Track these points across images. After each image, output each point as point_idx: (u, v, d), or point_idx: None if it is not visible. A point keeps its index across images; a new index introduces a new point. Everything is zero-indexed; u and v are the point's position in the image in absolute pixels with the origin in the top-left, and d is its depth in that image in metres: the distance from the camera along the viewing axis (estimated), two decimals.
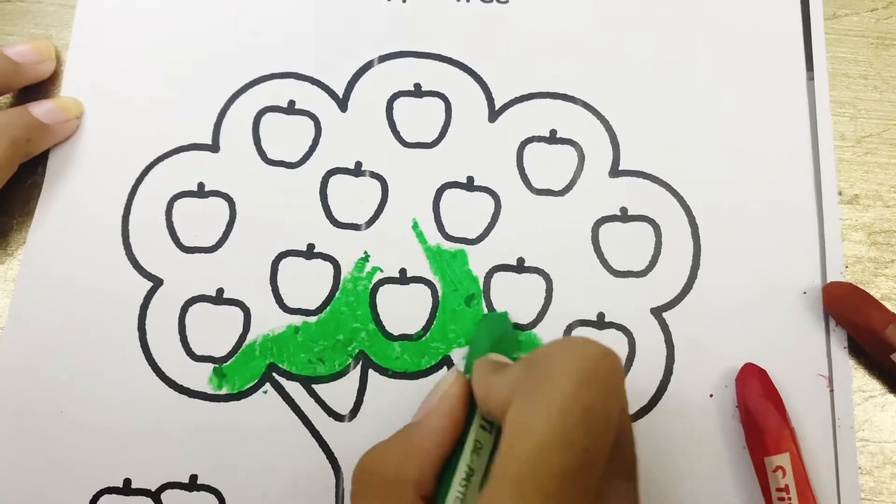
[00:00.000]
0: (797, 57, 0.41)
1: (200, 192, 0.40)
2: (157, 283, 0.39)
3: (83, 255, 0.39)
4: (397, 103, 0.41)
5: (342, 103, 0.41)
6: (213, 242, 0.39)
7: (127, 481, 0.36)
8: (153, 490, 0.36)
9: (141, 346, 0.38)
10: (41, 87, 0.42)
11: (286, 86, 0.42)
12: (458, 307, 0.38)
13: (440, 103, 0.41)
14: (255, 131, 0.41)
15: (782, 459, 0.34)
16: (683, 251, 0.39)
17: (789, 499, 0.33)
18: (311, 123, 0.41)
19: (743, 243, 0.39)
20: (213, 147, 0.41)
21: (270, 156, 0.40)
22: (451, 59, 0.42)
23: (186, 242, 0.39)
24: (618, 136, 0.40)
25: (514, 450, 0.24)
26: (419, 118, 0.41)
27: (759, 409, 0.35)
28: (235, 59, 0.42)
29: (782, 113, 0.41)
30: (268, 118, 0.41)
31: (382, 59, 0.42)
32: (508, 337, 0.36)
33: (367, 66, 0.42)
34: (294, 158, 0.40)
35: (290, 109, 0.41)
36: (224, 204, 0.40)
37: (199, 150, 0.41)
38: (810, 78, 0.41)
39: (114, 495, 0.36)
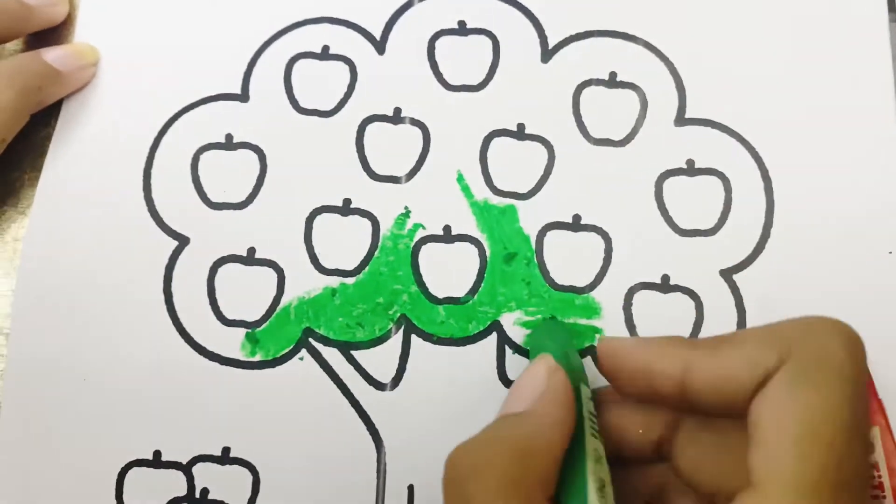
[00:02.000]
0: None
1: (229, 144, 0.37)
2: (183, 241, 0.36)
3: (101, 214, 0.37)
4: (439, 43, 0.38)
5: (380, 46, 0.38)
6: (243, 198, 0.37)
7: (157, 453, 0.34)
8: (184, 463, 0.34)
9: (167, 310, 0.36)
10: (54, 32, 0.40)
11: (320, 31, 0.38)
12: (508, 268, 0.35)
13: (487, 42, 0.38)
14: (287, 79, 0.38)
15: (873, 434, 0.31)
16: (755, 207, 0.35)
17: (879, 476, 0.31)
18: (346, 69, 0.38)
19: (821, 199, 0.35)
20: (243, 97, 0.38)
21: (303, 105, 0.37)
22: None
23: (214, 198, 0.37)
24: (684, 81, 0.37)
25: (806, 443, 0.22)
26: (464, 59, 0.38)
27: None
28: (266, 5, 0.39)
29: (863, 57, 0.37)
30: (300, 65, 0.38)
31: None
32: (570, 344, 0.33)
33: (407, 5, 0.38)
34: (328, 107, 0.37)
35: (325, 55, 0.38)
36: (254, 157, 0.37)
37: (227, 100, 0.38)
38: (893, 20, 0.37)
39: (143, 468, 0.34)
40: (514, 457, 0.25)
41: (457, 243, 0.36)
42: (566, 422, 0.26)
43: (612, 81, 0.37)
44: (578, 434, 0.27)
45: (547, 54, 0.37)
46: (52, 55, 0.37)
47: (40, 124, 0.38)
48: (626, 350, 0.28)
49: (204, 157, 0.37)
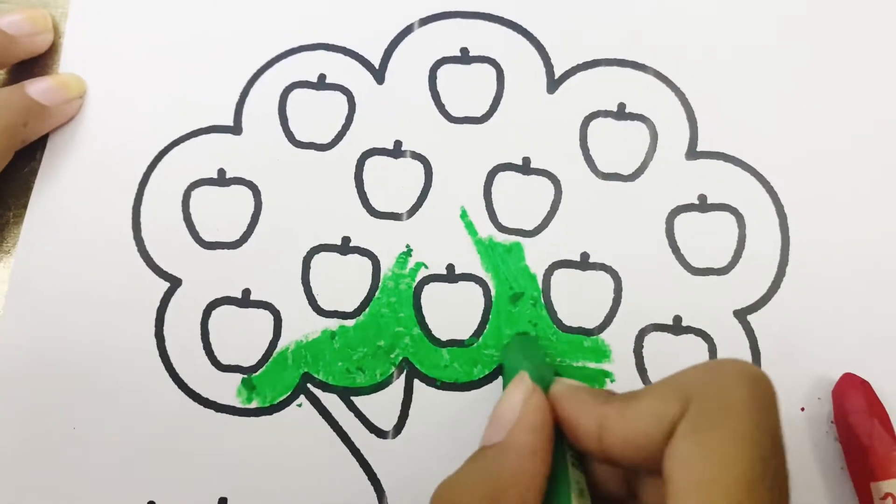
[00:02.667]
0: None
1: (221, 180, 0.36)
2: (175, 283, 0.35)
3: (89, 254, 0.35)
4: (441, 72, 0.36)
5: (379, 75, 0.36)
6: (237, 237, 0.35)
7: None
8: None
9: (160, 355, 0.34)
10: (38, 63, 0.38)
11: (316, 58, 0.37)
12: (514, 309, 0.34)
13: (491, 71, 0.36)
14: (282, 110, 0.36)
15: (892, 486, 0.30)
16: (770, 244, 0.34)
17: None
18: (343, 99, 0.36)
19: (838, 235, 0.34)
20: (235, 129, 0.36)
21: (299, 137, 0.36)
22: (502, 18, 0.37)
23: (207, 237, 0.35)
24: (695, 112, 0.35)
25: (711, 491, 0.22)
26: (467, 89, 0.36)
27: (863, 427, 0.31)
28: (259, 32, 0.37)
29: (880, 88, 0.36)
30: (295, 95, 0.36)
31: (424, 21, 0.37)
32: (543, 360, 0.32)
33: (407, 31, 0.37)
34: (325, 140, 0.36)
35: (321, 84, 0.36)
36: (248, 193, 0.36)
37: (219, 133, 0.36)
38: None
39: None
40: (492, 491, 0.25)
41: (461, 283, 0.34)
42: (544, 448, 0.26)
43: (621, 113, 0.35)
44: (560, 463, 0.26)
45: (553, 84, 0.36)
46: (36, 88, 0.35)
47: (25, 159, 0.37)
48: (556, 399, 0.27)
49: (195, 193, 0.36)
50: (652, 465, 0.24)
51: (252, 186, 0.36)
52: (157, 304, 0.35)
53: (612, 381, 0.33)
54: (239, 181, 0.36)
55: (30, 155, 0.37)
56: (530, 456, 0.25)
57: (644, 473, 0.27)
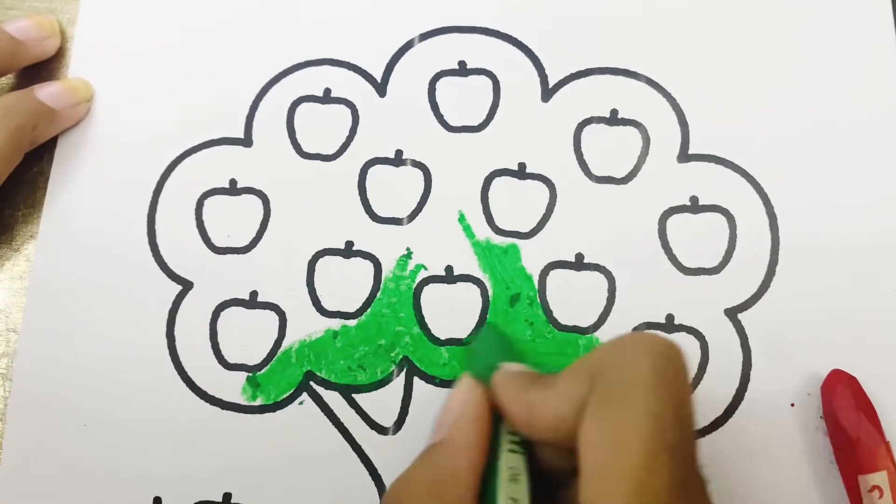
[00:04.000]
0: (886, 24, 0.37)
1: (233, 189, 0.37)
2: (186, 286, 0.36)
3: (104, 256, 0.37)
4: (440, 84, 0.38)
5: (381, 88, 0.38)
6: (247, 242, 0.37)
7: (157, 500, 0.34)
8: None
9: (170, 355, 0.35)
10: (46, 67, 0.39)
11: (321, 73, 0.38)
12: (511, 309, 0.35)
13: (487, 82, 0.38)
14: (290, 123, 0.38)
15: (879, 478, 0.31)
16: (760, 245, 0.35)
17: None
18: (347, 112, 0.38)
19: (827, 236, 0.35)
20: (246, 141, 0.38)
21: (306, 149, 0.37)
22: (498, 32, 0.38)
23: (218, 243, 0.37)
24: (686, 116, 0.36)
25: (614, 468, 0.22)
26: (464, 99, 0.38)
27: (850, 422, 0.31)
28: (267, 47, 0.39)
29: (870, 91, 0.36)
30: (302, 109, 0.38)
31: (423, 37, 0.38)
32: (509, 349, 0.33)
33: (407, 46, 0.38)
34: (330, 150, 0.37)
35: (326, 98, 0.38)
36: (258, 201, 0.37)
37: (230, 145, 0.38)
38: None
39: None
40: (431, 489, 0.26)
41: (459, 284, 0.35)
42: (479, 443, 0.27)
43: (614, 118, 0.37)
44: (495, 453, 0.27)
45: (547, 93, 0.37)
46: (45, 92, 0.36)
47: (33, 160, 0.38)
48: (494, 388, 0.28)
49: (208, 202, 0.37)
50: (572, 444, 0.25)
51: (262, 195, 0.37)
52: (170, 305, 0.36)
53: None
54: (249, 190, 0.37)
55: (37, 156, 0.38)
56: (466, 449, 0.27)
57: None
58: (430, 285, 0.36)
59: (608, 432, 0.23)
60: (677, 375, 0.24)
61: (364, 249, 0.36)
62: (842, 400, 0.32)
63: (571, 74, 0.37)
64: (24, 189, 0.38)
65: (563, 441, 0.25)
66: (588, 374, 0.25)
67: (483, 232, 0.36)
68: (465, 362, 0.34)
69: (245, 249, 0.36)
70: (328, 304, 0.36)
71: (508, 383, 0.28)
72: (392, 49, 0.38)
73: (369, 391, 0.35)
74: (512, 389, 0.27)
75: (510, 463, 0.27)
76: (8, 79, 0.40)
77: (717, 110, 0.36)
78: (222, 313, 0.36)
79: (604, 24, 0.38)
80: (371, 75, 0.38)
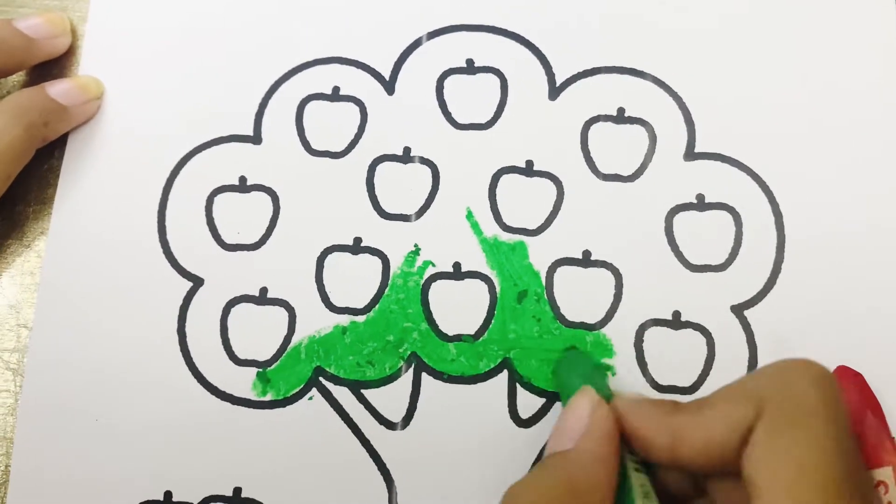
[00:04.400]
0: (891, 22, 0.37)
1: (242, 187, 0.37)
2: (197, 283, 0.36)
3: (115, 253, 0.37)
4: (448, 82, 0.38)
5: (389, 86, 0.38)
6: (256, 239, 0.37)
7: (168, 494, 0.34)
8: None
9: (181, 351, 0.36)
10: (56, 65, 0.40)
11: (330, 71, 0.39)
12: (519, 305, 0.35)
13: (495, 80, 0.38)
14: (299, 121, 0.38)
15: (884, 474, 0.31)
16: (767, 242, 0.35)
17: None
18: (356, 109, 0.38)
19: (833, 233, 0.35)
20: (255, 139, 0.38)
21: (315, 146, 0.38)
22: (506, 31, 0.38)
23: (228, 240, 0.37)
24: (692, 115, 0.37)
25: (800, 493, 0.22)
26: (472, 97, 0.38)
27: (856, 418, 0.32)
28: (276, 46, 0.39)
29: (875, 89, 0.36)
30: (311, 107, 0.38)
31: (431, 35, 0.39)
32: (597, 374, 0.33)
33: (416, 44, 0.39)
34: (339, 148, 0.38)
35: (335, 96, 0.38)
36: (267, 199, 0.37)
37: (240, 142, 0.38)
38: None
39: None
40: (564, 495, 0.25)
41: (467, 280, 0.36)
42: (611, 458, 0.27)
43: (621, 117, 0.37)
44: (624, 470, 0.27)
45: (554, 92, 0.37)
46: (56, 89, 0.37)
47: (44, 156, 0.38)
48: (623, 413, 0.28)
49: (218, 199, 0.37)
50: (725, 469, 0.25)
51: (271, 193, 0.37)
52: (181, 302, 0.36)
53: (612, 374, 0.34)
54: (259, 188, 0.37)
55: (48, 152, 0.38)
56: (601, 463, 0.26)
57: (713, 475, 0.27)
58: (438, 282, 0.36)
59: (789, 457, 0.23)
60: (842, 403, 0.25)
61: (372, 246, 0.36)
62: (847, 396, 0.32)
63: (578, 73, 0.38)
64: (35, 185, 0.38)
65: (713, 466, 0.25)
66: (750, 400, 0.25)
67: (491, 229, 0.36)
68: (554, 383, 0.34)
69: (255, 246, 0.37)
70: (337, 301, 0.36)
71: (641, 409, 0.28)
72: (400, 47, 0.39)
73: (378, 387, 0.35)
74: (649, 414, 0.27)
75: (640, 481, 0.27)
76: (19, 76, 0.40)
77: (722, 109, 0.37)
78: (232, 310, 0.36)
79: (610, 23, 0.38)
80: (379, 73, 0.38)
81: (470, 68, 0.38)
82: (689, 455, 0.26)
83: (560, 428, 0.28)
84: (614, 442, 0.27)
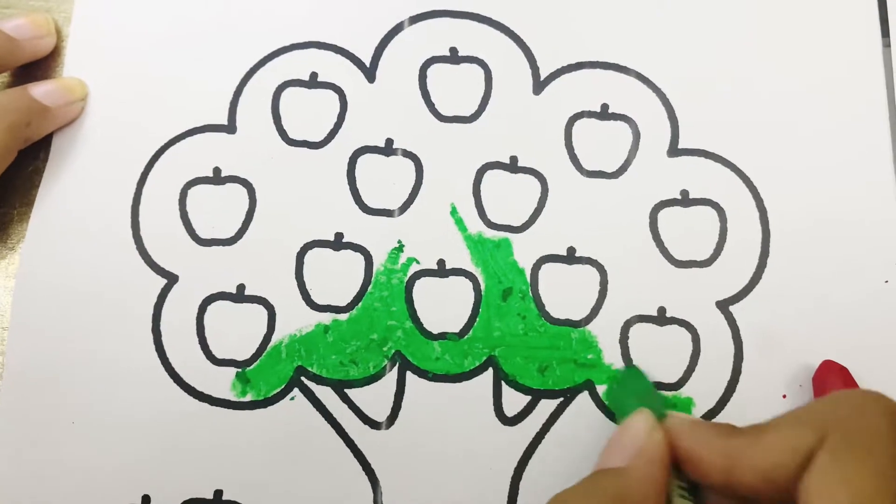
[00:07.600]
0: (872, 21, 0.37)
1: (217, 178, 0.36)
2: (171, 279, 0.35)
3: (90, 251, 0.36)
4: (431, 71, 0.37)
5: (370, 73, 0.37)
6: (232, 234, 0.36)
7: (146, 498, 0.33)
8: None
9: (156, 350, 0.35)
10: (42, 66, 0.39)
11: (307, 56, 0.37)
12: (503, 302, 0.35)
13: (479, 71, 0.37)
14: (275, 109, 0.37)
15: None
16: (751, 238, 0.35)
17: None
18: (335, 97, 0.37)
19: (816, 228, 0.35)
20: (230, 128, 0.37)
21: (292, 135, 0.37)
22: (490, 19, 0.38)
23: (203, 234, 0.36)
24: (676, 111, 0.36)
25: None
26: (456, 88, 0.37)
27: None
28: (251, 31, 0.38)
29: (857, 84, 0.37)
30: (288, 93, 0.37)
31: (413, 20, 0.38)
32: (654, 395, 0.33)
33: (397, 29, 0.38)
34: (318, 138, 0.37)
35: (313, 83, 0.37)
36: (243, 191, 0.36)
37: (213, 132, 0.37)
38: (886, 45, 0.37)
39: None
40: None
41: (451, 278, 0.35)
42: (661, 481, 0.27)
43: (605, 113, 0.36)
44: (671, 493, 0.27)
45: (539, 86, 0.37)
46: (39, 90, 0.36)
47: (28, 158, 0.37)
48: (676, 434, 0.28)
49: (192, 191, 0.36)
50: (778, 496, 0.25)
51: (246, 184, 0.36)
52: (155, 299, 0.35)
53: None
54: (234, 179, 0.36)
55: (32, 154, 0.37)
56: (652, 484, 0.26)
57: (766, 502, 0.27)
58: (422, 279, 0.35)
59: (852, 484, 0.23)
60: None
61: (354, 241, 0.36)
62: (832, 390, 0.32)
63: (563, 67, 0.37)
64: (20, 188, 0.37)
65: (767, 491, 0.25)
66: (814, 425, 0.25)
67: (475, 225, 0.36)
68: (609, 401, 0.34)
69: (231, 241, 0.36)
70: (318, 298, 0.35)
71: (697, 431, 0.27)
72: (381, 32, 0.38)
73: (362, 386, 0.34)
74: (706, 436, 0.27)
75: None
76: (3, 77, 0.39)
77: (706, 105, 0.36)
78: (209, 307, 0.35)
79: (595, 18, 0.37)
80: (359, 59, 0.37)
81: (454, 57, 0.37)
82: (744, 478, 0.26)
83: (613, 445, 0.28)
84: (666, 466, 0.27)
